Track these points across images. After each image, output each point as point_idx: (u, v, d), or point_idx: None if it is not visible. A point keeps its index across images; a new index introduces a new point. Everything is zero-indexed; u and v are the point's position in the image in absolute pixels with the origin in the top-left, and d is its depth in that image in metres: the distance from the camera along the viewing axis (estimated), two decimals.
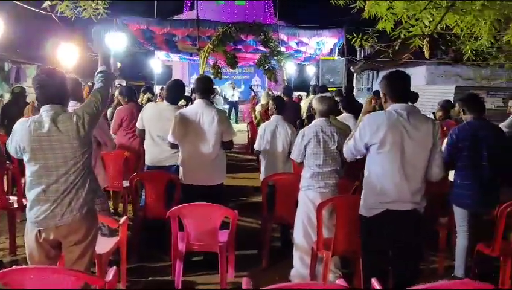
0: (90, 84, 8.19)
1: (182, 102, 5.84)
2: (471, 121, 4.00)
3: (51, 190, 2.66)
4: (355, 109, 5.63)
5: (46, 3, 4.11)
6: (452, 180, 4.11)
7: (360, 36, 4.37)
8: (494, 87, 11.89)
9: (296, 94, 14.25)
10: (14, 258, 4.46)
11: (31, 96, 6.71)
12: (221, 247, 3.74)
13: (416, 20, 3.64)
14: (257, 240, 4.82)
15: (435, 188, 3.80)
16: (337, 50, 14.79)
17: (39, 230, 2.70)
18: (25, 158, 2.69)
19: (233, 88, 18.52)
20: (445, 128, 5.79)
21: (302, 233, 4.02)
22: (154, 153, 4.77)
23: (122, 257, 3.77)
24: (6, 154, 4.05)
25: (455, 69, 14.47)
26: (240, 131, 12.57)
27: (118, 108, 6.14)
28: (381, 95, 3.13)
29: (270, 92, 9.73)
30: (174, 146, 4.32)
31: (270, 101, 5.33)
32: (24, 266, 2.45)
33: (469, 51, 4.35)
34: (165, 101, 4.91)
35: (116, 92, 7.55)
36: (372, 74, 22.25)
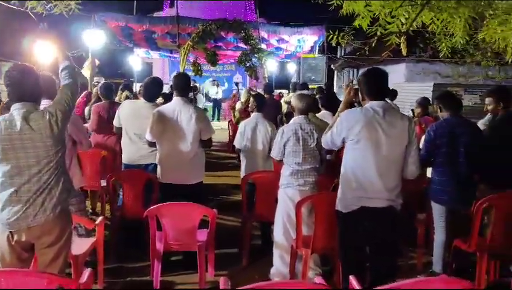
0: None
1: (160, 100, 5.77)
2: (449, 118, 4.04)
3: (23, 190, 2.59)
4: (334, 107, 5.64)
5: None
6: (430, 176, 4.16)
7: (336, 33, 4.38)
8: (472, 85, 12.09)
9: (277, 92, 14.26)
10: None
11: (5, 93, 6.55)
12: (200, 246, 3.71)
13: (393, 17, 3.66)
14: (237, 239, 4.80)
15: (412, 185, 3.85)
16: (317, 48, 14.83)
17: (11, 232, 2.62)
18: None
19: (217, 86, 18.44)
20: (423, 125, 5.85)
21: (281, 231, 4.01)
22: (132, 151, 4.70)
23: (99, 258, 3.71)
24: None
25: (434, 66, 14.67)
26: (222, 129, 12.53)
27: (94, 105, 6.04)
28: (359, 91, 3.15)
29: (252, 91, 9.70)
30: (151, 144, 4.27)
31: (251, 98, 5.31)
32: None
33: (445, 48, 4.40)
34: (142, 98, 4.84)
35: (94, 90, 7.44)
36: (353, 72, 22.43)
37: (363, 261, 3.17)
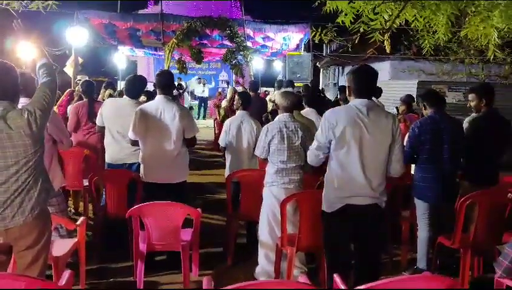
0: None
1: (143, 98, 5.70)
2: (432, 115, 4.06)
3: (0, 191, 2.52)
4: (318, 104, 5.65)
5: None
6: (413, 173, 4.17)
7: (319, 30, 4.37)
8: (455, 82, 12.19)
9: (263, 89, 14.24)
10: None
11: None
12: (184, 246, 3.66)
13: (376, 14, 3.65)
14: (223, 238, 4.77)
15: (396, 182, 3.85)
16: (303, 45, 14.84)
17: None
18: None
19: (204, 84, 18.35)
20: (408, 123, 5.88)
21: (267, 229, 3.99)
22: (115, 150, 4.64)
23: (81, 259, 3.65)
24: None
25: (418, 64, 14.78)
26: (208, 127, 12.49)
27: (73, 104, 5.95)
28: (346, 88, 3.12)
29: (239, 85, 9.67)
30: (134, 143, 4.21)
31: (236, 96, 5.28)
32: None
33: (427, 46, 4.41)
34: (125, 96, 4.77)
35: (77, 88, 7.33)
36: (338, 70, 22.50)
37: (348, 261, 3.16)
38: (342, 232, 3.09)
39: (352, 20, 3.72)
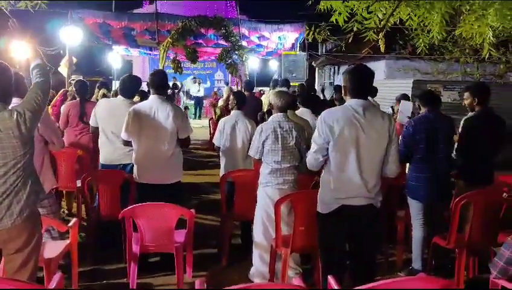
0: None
1: (136, 98, 5.66)
2: (427, 114, 4.05)
3: None
4: (313, 104, 5.62)
5: None
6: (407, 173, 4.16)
7: (313, 29, 4.35)
8: (451, 81, 12.19)
9: (258, 89, 14.20)
10: None
11: None
12: (178, 247, 3.63)
13: (370, 13, 3.63)
14: (217, 238, 4.74)
15: (392, 181, 3.83)
16: (298, 45, 14.81)
17: None
18: None
19: (199, 83, 18.30)
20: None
21: (261, 230, 3.96)
22: (109, 151, 4.60)
23: (73, 261, 3.61)
24: None
25: (413, 63, 14.76)
26: (203, 127, 12.45)
27: (64, 104, 5.90)
28: (342, 87, 3.09)
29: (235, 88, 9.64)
30: (127, 143, 4.16)
31: (231, 96, 5.25)
32: None
33: (422, 45, 4.39)
34: (119, 96, 4.73)
35: (71, 88, 7.28)
36: (334, 69, 22.45)
37: (343, 261, 3.13)
38: (337, 233, 3.06)
39: (346, 19, 3.69)
